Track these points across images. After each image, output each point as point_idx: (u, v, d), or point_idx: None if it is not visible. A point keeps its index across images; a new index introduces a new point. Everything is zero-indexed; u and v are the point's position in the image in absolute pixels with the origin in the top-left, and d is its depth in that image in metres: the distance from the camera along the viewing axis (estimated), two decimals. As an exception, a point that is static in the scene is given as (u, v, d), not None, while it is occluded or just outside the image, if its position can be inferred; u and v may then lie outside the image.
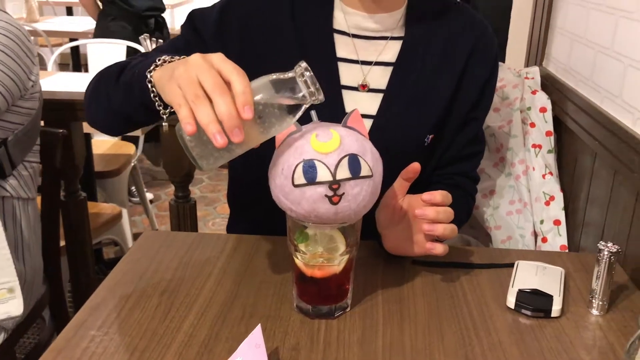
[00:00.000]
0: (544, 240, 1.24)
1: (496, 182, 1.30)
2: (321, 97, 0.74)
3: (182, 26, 1.05)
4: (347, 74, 1.02)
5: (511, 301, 0.86)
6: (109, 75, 0.94)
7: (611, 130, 1.03)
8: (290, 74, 0.74)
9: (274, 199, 0.79)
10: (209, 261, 0.97)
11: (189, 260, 0.98)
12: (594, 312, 0.86)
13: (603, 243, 0.84)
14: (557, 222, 1.23)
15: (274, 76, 0.73)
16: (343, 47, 1.02)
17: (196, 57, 0.71)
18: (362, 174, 0.74)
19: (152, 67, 0.81)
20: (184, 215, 1.67)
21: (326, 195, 0.73)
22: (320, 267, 0.81)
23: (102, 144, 2.73)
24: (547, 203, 1.24)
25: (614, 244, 0.84)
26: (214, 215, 3.26)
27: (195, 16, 1.03)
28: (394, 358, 0.76)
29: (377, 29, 1.02)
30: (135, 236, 2.96)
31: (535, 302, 0.85)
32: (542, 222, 1.24)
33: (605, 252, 0.83)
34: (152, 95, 0.81)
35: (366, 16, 1.01)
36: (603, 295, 0.85)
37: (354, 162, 0.74)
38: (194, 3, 6.11)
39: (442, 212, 0.85)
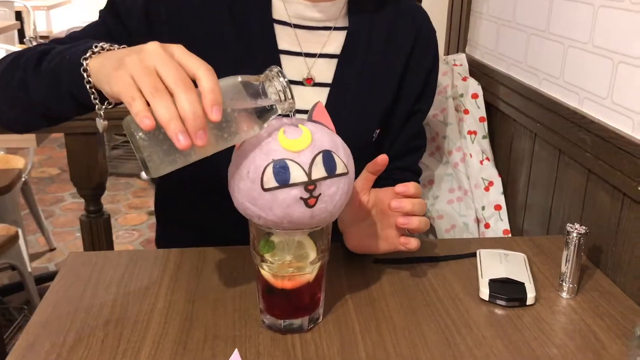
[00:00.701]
0: (487, 226, 1.23)
1: (434, 172, 1.28)
2: (294, 105, 0.67)
3: (102, 12, 0.93)
4: (291, 68, 0.95)
5: (485, 292, 0.83)
6: (26, 61, 0.79)
7: (554, 111, 1.04)
8: (262, 78, 0.66)
9: (236, 206, 0.71)
10: (153, 281, 0.87)
11: (129, 282, 0.86)
12: (565, 295, 0.85)
13: (571, 225, 0.83)
14: (497, 207, 1.23)
15: (243, 78, 0.65)
16: (285, 38, 0.95)
17: (154, 46, 0.61)
18: (338, 171, 0.68)
19: (88, 54, 0.70)
20: (98, 231, 1.53)
21: (301, 198, 0.66)
22: (291, 277, 0.73)
23: (-13, 159, 2.47)
24: (487, 189, 1.24)
25: (581, 225, 0.83)
26: (117, 227, 3.06)
27: (117, 3, 0.91)
28: (381, 367, 0.70)
29: (320, 18, 0.95)
30: (32, 257, 2.72)
31: (508, 291, 0.83)
32: (483, 208, 1.23)
33: (575, 234, 0.82)
34: (87, 86, 0.69)
35: (308, 4, 0.94)
36: (573, 278, 0.84)
37: (328, 159, 0.67)
38: (72, 4, 5.76)
39: (417, 204, 0.81)
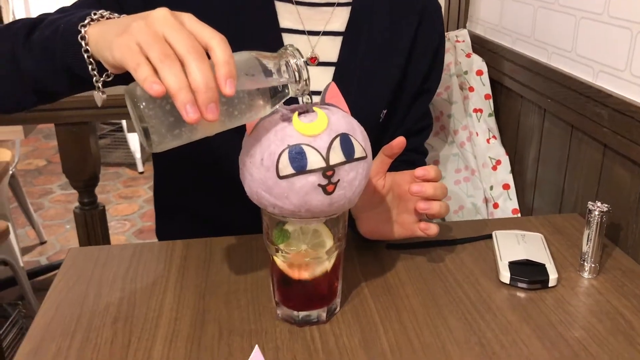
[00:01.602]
0: (495, 205, 1.21)
1: (440, 152, 1.25)
2: (309, 87, 0.63)
3: None
4: None
5: (505, 276, 0.80)
6: (15, 32, 0.73)
7: (566, 85, 1.00)
8: (277, 55, 0.61)
9: (249, 195, 0.67)
10: (160, 275, 0.83)
11: (134, 277, 0.83)
12: (586, 275, 0.83)
13: (592, 203, 0.80)
14: (506, 186, 1.21)
15: (257, 54, 0.60)
16: (286, 16, 0.91)
17: (163, 12, 0.56)
18: (357, 155, 0.64)
19: (86, 21, 0.64)
20: (93, 224, 1.48)
21: (319, 185, 0.62)
22: (308, 267, 0.70)
23: (-29, 153, 2.40)
24: (495, 168, 1.21)
25: (602, 203, 0.80)
26: (108, 218, 3.00)
27: None
28: (406, 357, 0.67)
29: None
30: (23, 251, 2.66)
31: (530, 273, 0.80)
32: (491, 187, 1.21)
33: (597, 212, 0.80)
34: (85, 55, 0.64)
35: None
36: (595, 258, 0.82)
37: (346, 143, 0.63)
38: (51, -9, 5.62)
39: (439, 187, 0.77)
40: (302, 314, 0.72)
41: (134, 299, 0.78)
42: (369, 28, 0.93)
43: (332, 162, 0.62)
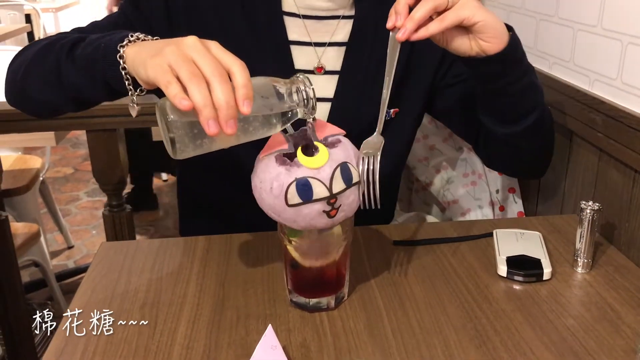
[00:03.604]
0: (501, 208, 1.26)
1: (448, 157, 1.31)
2: (314, 114, 0.72)
3: (122, 4, 0.97)
4: (301, 57, 0.99)
5: (502, 269, 0.86)
6: (60, 47, 0.83)
7: (565, 93, 1.07)
8: (289, 82, 0.70)
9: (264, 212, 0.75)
10: (184, 267, 0.90)
11: (161, 268, 0.90)
12: (580, 270, 0.88)
13: (584, 202, 0.86)
14: (511, 190, 1.26)
15: (272, 80, 0.70)
16: (294, 29, 0.98)
17: (193, 39, 0.66)
18: (354, 180, 0.72)
19: (125, 42, 0.74)
20: (120, 225, 1.57)
21: (324, 211, 0.70)
22: (318, 256, 0.77)
23: (5, 159, 2.51)
24: (500, 172, 1.26)
25: (594, 202, 0.86)
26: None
27: None
28: (406, 340, 0.74)
29: (328, 7, 0.98)
30: (51, 255, 2.77)
31: (525, 267, 0.86)
32: (497, 191, 1.26)
33: (588, 211, 0.85)
34: (123, 72, 0.73)
35: None
36: (587, 253, 0.87)
37: (345, 171, 0.71)
38: (81, 5, 5.80)
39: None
40: (312, 300, 0.79)
41: (160, 286, 0.85)
42: (372, 38, 0.99)
43: (334, 190, 0.70)
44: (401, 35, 0.78)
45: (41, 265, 2.15)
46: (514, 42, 0.84)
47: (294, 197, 0.70)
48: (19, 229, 2.04)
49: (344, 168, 0.71)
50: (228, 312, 0.79)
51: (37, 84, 0.87)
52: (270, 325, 0.69)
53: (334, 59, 1.00)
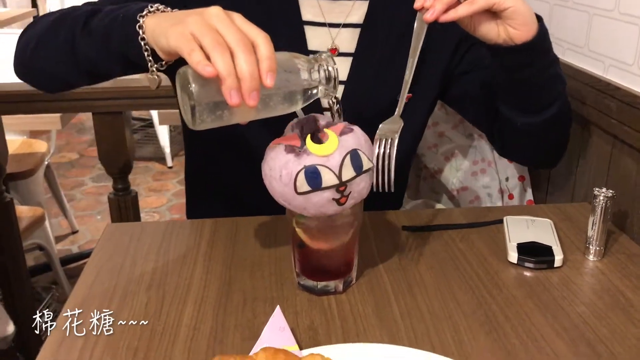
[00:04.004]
0: (511, 197, 1.25)
1: (458, 144, 1.30)
2: (335, 94, 0.71)
3: None
4: (315, 38, 0.97)
5: (513, 256, 0.85)
6: (74, 19, 0.82)
7: (579, 79, 1.05)
8: (312, 60, 0.69)
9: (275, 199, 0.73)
10: (190, 249, 0.89)
11: (167, 250, 0.89)
12: (591, 258, 0.87)
13: (598, 189, 0.85)
14: (521, 178, 1.25)
15: (296, 55, 0.69)
16: (308, 9, 0.97)
17: (217, 9, 0.64)
18: (365, 168, 0.70)
19: (144, 12, 0.72)
20: (126, 209, 1.56)
21: (333, 199, 0.69)
22: (327, 238, 0.76)
23: (11, 143, 2.50)
24: (510, 160, 1.25)
25: (607, 189, 0.84)
26: (138, 210, 3.10)
27: None
28: (415, 324, 0.73)
29: None
30: (55, 240, 2.76)
31: (536, 254, 0.85)
32: (507, 179, 1.25)
33: (601, 197, 0.84)
34: (142, 43, 0.72)
35: None
36: (600, 241, 0.86)
37: (356, 158, 0.70)
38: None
39: None
40: (320, 284, 0.78)
41: (166, 269, 0.84)
42: (387, 21, 0.98)
43: (344, 178, 0.69)
44: (429, 16, 0.77)
45: (46, 249, 2.15)
46: (543, 32, 0.82)
47: (303, 185, 0.68)
48: (23, 212, 2.04)
49: (354, 155, 0.70)
50: (235, 294, 0.78)
51: (49, 56, 0.85)
52: (278, 306, 0.68)
53: (348, 40, 0.98)
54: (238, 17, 0.65)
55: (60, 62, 0.85)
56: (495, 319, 0.74)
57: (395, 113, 0.76)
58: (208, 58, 0.62)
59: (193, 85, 0.63)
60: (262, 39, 0.63)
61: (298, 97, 0.69)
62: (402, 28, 0.98)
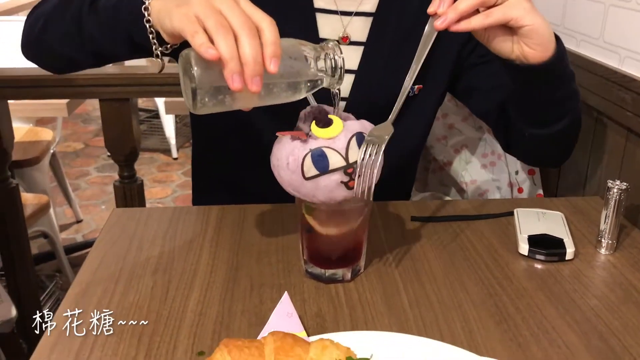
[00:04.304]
0: (520, 190, 1.24)
1: (467, 137, 1.28)
2: (340, 84, 0.69)
3: None
4: (326, 26, 0.96)
5: (524, 247, 0.84)
6: (81, 0, 0.81)
7: (593, 71, 1.03)
8: (318, 48, 0.68)
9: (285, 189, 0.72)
10: (197, 234, 0.89)
11: (173, 235, 0.89)
12: (603, 251, 0.86)
13: (611, 181, 0.83)
14: (531, 172, 1.24)
15: (302, 42, 0.67)
16: None
17: None
18: None
19: None
20: (131, 197, 1.55)
21: (342, 182, 0.68)
22: (337, 223, 0.75)
23: (17, 130, 2.50)
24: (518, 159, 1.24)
25: (622, 182, 0.83)
26: (142, 200, 3.10)
27: None
28: (424, 313, 0.72)
29: None
30: (60, 229, 2.76)
31: (547, 246, 0.84)
32: (517, 172, 1.24)
33: (615, 190, 0.83)
34: (147, 25, 0.71)
35: None
36: (612, 235, 0.85)
37: (362, 140, 0.69)
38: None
39: None
40: (328, 272, 0.77)
41: (172, 254, 0.84)
42: (399, 9, 0.96)
43: (351, 160, 0.68)
44: (440, 24, 0.73)
45: (50, 237, 2.15)
46: (560, 53, 0.78)
47: (310, 169, 0.68)
48: (28, 199, 2.04)
49: (360, 137, 0.69)
50: (242, 280, 0.78)
51: (56, 36, 0.84)
52: (286, 292, 0.67)
53: (359, 29, 0.97)
54: (244, 0, 0.64)
55: (66, 41, 0.84)
56: (506, 310, 0.73)
57: (388, 119, 0.74)
58: (212, 41, 0.61)
59: (195, 69, 0.62)
60: (267, 24, 0.62)
61: (302, 86, 0.68)
62: (414, 18, 0.97)
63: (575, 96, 0.88)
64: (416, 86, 0.98)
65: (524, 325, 0.70)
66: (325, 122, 0.69)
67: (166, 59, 0.76)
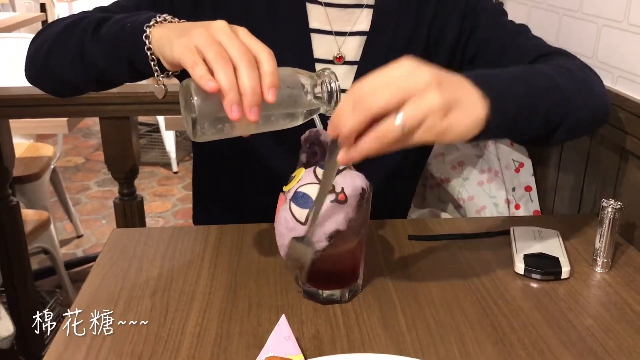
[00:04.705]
0: (517, 207, 1.24)
1: (464, 153, 1.30)
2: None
3: None
4: (321, 46, 0.97)
5: (520, 267, 0.85)
6: (84, 26, 0.83)
7: (587, 91, 1.04)
8: (315, 76, 0.70)
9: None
10: (196, 255, 0.89)
11: (172, 255, 0.89)
12: (599, 270, 0.86)
13: (606, 200, 0.84)
14: (528, 188, 1.24)
15: (298, 71, 0.69)
16: (316, 17, 0.97)
17: (222, 23, 0.65)
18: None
19: (151, 22, 0.73)
20: (131, 214, 1.56)
21: (331, 201, 0.72)
22: (334, 242, 0.76)
23: (18, 146, 2.51)
24: (517, 170, 1.25)
25: (616, 201, 0.84)
26: (143, 215, 3.10)
27: None
28: (421, 335, 0.72)
29: None
30: (60, 244, 2.77)
31: (544, 265, 0.84)
32: (514, 189, 1.25)
33: (610, 209, 0.83)
34: (148, 53, 0.72)
35: None
36: (607, 253, 0.85)
37: (299, 200, 0.72)
38: (95, -5, 5.81)
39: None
40: (326, 292, 0.78)
41: (171, 274, 0.84)
42: (393, 28, 0.97)
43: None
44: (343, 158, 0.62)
45: (50, 253, 2.16)
46: (498, 113, 0.65)
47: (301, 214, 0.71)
48: (29, 215, 2.05)
49: (296, 197, 0.72)
50: (240, 301, 0.78)
51: (60, 62, 0.86)
52: (284, 315, 0.68)
53: (354, 48, 0.98)
54: (243, 32, 0.66)
55: (70, 68, 0.85)
56: (502, 330, 0.73)
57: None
58: (211, 72, 0.62)
59: (195, 98, 0.64)
60: (265, 55, 0.63)
61: (299, 113, 0.69)
62: (408, 37, 0.98)
63: (557, 107, 0.76)
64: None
65: (520, 345, 0.71)
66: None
67: (168, 82, 0.78)
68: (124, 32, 0.76)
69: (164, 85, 0.75)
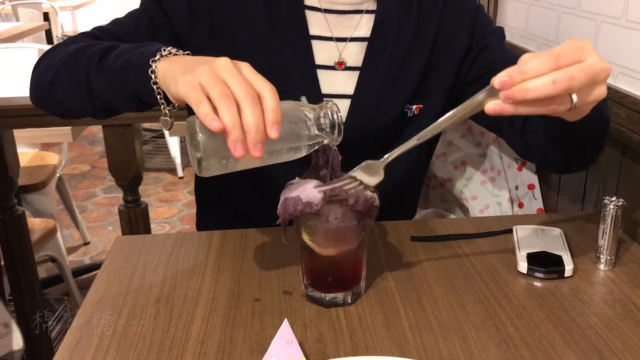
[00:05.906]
0: (521, 205, 1.24)
1: (467, 153, 1.29)
2: (340, 140, 0.72)
3: (143, 0, 0.96)
4: (322, 52, 0.97)
5: (523, 266, 0.85)
6: (89, 56, 0.83)
7: (587, 88, 1.04)
8: (317, 109, 0.70)
9: None
10: (199, 261, 0.90)
11: (176, 262, 0.90)
12: (602, 267, 0.86)
13: (608, 197, 0.84)
14: (531, 187, 1.24)
15: (301, 104, 0.70)
16: (316, 24, 0.97)
17: (225, 60, 0.66)
18: None
19: (157, 57, 0.73)
20: (136, 221, 1.57)
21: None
22: (335, 242, 0.76)
23: (23, 155, 2.53)
24: (520, 168, 1.25)
25: (618, 198, 0.84)
26: (149, 221, 3.11)
27: None
28: (424, 337, 0.72)
29: (351, 1, 0.97)
30: (68, 251, 2.78)
31: (546, 264, 0.84)
32: (517, 187, 1.24)
33: (612, 206, 0.83)
34: (155, 87, 0.73)
35: None
36: (610, 250, 0.85)
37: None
38: (97, 4, 5.84)
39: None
40: (329, 296, 0.78)
41: (175, 281, 0.85)
42: (394, 33, 0.97)
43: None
44: (492, 108, 0.65)
45: (58, 261, 2.17)
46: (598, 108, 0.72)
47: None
48: (35, 224, 2.06)
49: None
50: (243, 307, 0.78)
51: (66, 91, 0.86)
52: (286, 319, 0.68)
53: (355, 54, 0.98)
54: (246, 68, 0.66)
55: (76, 97, 0.86)
56: (505, 330, 0.73)
57: (381, 161, 0.72)
58: (215, 109, 0.63)
59: (200, 135, 0.65)
60: (267, 91, 0.64)
61: (303, 146, 0.70)
62: (409, 42, 0.98)
63: (604, 122, 0.82)
64: (415, 106, 0.99)
65: (523, 346, 0.70)
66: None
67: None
68: (129, 65, 0.77)
69: (170, 117, 0.75)
